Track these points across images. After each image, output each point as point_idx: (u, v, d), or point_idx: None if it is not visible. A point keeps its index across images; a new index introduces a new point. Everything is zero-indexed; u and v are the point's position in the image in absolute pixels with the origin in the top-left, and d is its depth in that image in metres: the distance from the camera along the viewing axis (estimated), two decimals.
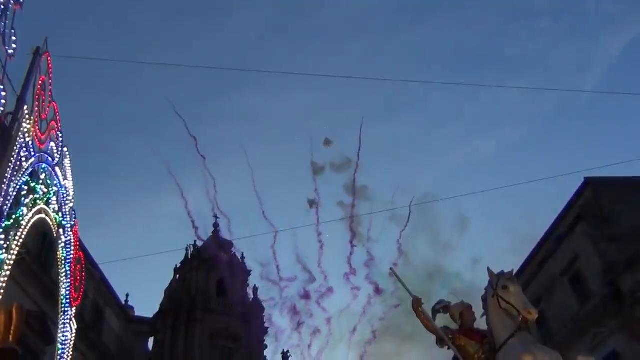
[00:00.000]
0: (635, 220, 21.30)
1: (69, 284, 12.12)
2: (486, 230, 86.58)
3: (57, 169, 11.26)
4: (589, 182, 23.53)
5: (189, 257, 42.52)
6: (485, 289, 8.43)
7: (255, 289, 43.09)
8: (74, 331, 12.28)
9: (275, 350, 42.14)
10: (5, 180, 9.02)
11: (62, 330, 12.00)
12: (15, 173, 9.36)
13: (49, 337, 18.47)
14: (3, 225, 8.94)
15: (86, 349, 24.25)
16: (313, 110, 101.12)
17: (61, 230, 11.77)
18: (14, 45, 9.29)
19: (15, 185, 9.36)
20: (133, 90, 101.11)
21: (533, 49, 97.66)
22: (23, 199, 9.79)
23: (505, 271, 8.28)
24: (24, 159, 9.67)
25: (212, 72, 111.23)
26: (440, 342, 8.48)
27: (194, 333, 37.23)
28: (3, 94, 9.12)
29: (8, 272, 9.02)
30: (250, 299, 42.25)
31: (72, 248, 12.13)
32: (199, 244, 43.36)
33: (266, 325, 41.81)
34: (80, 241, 13.14)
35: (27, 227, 9.86)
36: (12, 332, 10.15)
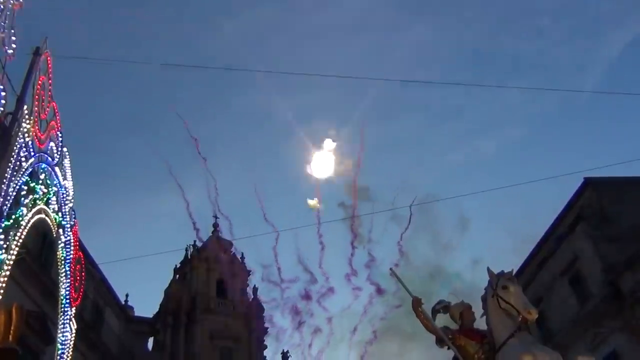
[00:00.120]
0: (635, 221, 21.30)
1: (68, 284, 12.11)
2: (486, 230, 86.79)
3: (56, 169, 11.25)
4: (588, 182, 23.53)
5: (189, 257, 42.54)
6: (485, 289, 8.43)
7: (255, 289, 43.12)
8: (73, 331, 12.28)
9: (276, 350, 42.26)
10: (5, 180, 9.02)
11: (62, 330, 11.99)
12: (14, 173, 9.35)
13: (49, 337, 18.45)
14: (3, 225, 8.93)
15: (86, 349, 24.24)
16: (313, 110, 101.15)
17: (61, 230, 11.76)
18: (13, 45, 9.28)
19: (15, 185, 9.35)
20: (133, 90, 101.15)
21: (533, 49, 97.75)
22: (23, 199, 9.77)
23: (505, 271, 8.27)
24: (23, 159, 9.66)
25: (212, 72, 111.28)
26: (440, 342, 8.48)
27: (193, 333, 37.25)
28: (3, 94, 9.11)
29: (8, 272, 9.01)
30: (250, 299, 42.25)
31: (72, 248, 12.13)
32: (199, 244, 43.45)
33: (267, 325, 41.87)
34: (80, 241, 13.13)
35: (27, 227, 9.85)
36: (12, 332, 10.14)
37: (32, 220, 10.17)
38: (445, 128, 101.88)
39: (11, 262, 9.15)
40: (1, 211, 8.88)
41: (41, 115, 10.51)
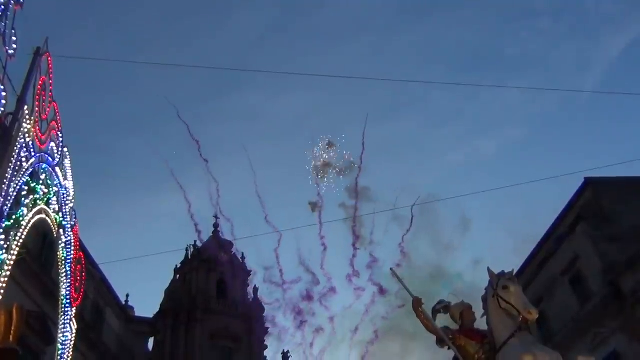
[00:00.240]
0: (636, 221, 21.29)
1: (69, 284, 12.12)
2: (487, 230, 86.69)
3: (57, 169, 11.26)
4: (589, 182, 23.54)
5: (189, 257, 42.53)
6: (485, 289, 8.43)
7: (255, 289, 43.11)
8: (74, 331, 12.28)
9: (277, 350, 42.25)
10: (5, 180, 9.03)
11: (62, 330, 12.00)
12: (15, 173, 9.36)
13: (49, 338, 18.47)
14: (3, 225, 8.93)
15: (86, 349, 24.25)
16: (313, 110, 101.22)
17: (61, 231, 11.77)
18: (14, 46, 9.28)
19: (15, 186, 9.36)
20: (133, 90, 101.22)
21: (533, 49, 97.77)
22: (23, 199, 9.79)
23: (506, 271, 8.28)
24: (24, 159, 9.67)
25: (212, 72, 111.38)
26: (441, 342, 8.48)
27: (194, 333, 37.23)
28: (3, 94, 9.11)
29: (8, 273, 9.02)
30: (251, 299, 42.26)
31: (72, 248, 12.13)
32: (199, 244, 43.43)
33: (269, 326, 41.86)
34: (80, 241, 13.14)
35: (28, 228, 9.86)
36: (12, 332, 10.15)
37: (33, 221, 10.19)
38: (446, 128, 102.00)
39: (12, 262, 9.16)
40: (2, 211, 8.89)
41: (42, 115, 10.52)
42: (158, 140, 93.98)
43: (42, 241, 20.14)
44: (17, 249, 9.38)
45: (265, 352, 41.04)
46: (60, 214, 11.55)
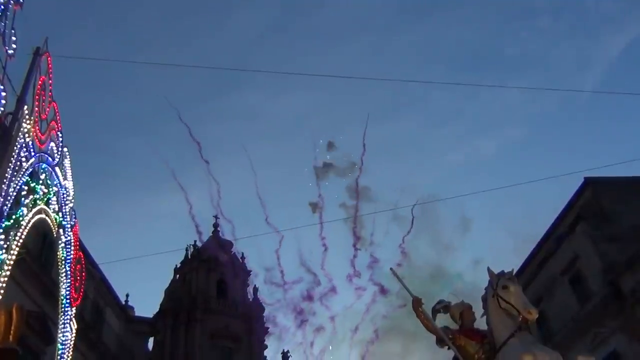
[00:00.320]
0: (636, 221, 21.29)
1: (69, 284, 12.11)
2: (487, 230, 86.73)
3: (57, 169, 11.25)
4: (589, 182, 23.54)
5: (189, 257, 42.52)
6: (485, 288, 8.43)
7: (255, 289, 43.12)
8: (74, 331, 12.28)
9: (277, 350, 42.25)
10: (5, 180, 9.02)
11: (62, 330, 11.99)
12: (15, 173, 9.36)
13: (49, 337, 18.47)
14: (3, 225, 8.93)
15: (86, 349, 24.25)
16: (313, 110, 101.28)
17: (61, 231, 11.76)
18: (14, 46, 9.28)
19: (15, 186, 9.36)
20: (133, 90, 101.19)
21: (533, 48, 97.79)
22: (23, 199, 9.78)
23: (506, 271, 8.28)
24: (24, 159, 9.67)
25: (212, 72, 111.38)
26: (440, 342, 8.48)
27: (194, 333, 37.22)
28: (3, 94, 9.12)
29: (8, 272, 9.02)
30: (251, 299, 42.27)
31: (72, 248, 12.13)
32: (199, 244, 43.45)
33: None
34: (80, 241, 13.13)
35: (27, 227, 9.85)
36: (12, 332, 10.14)
37: (33, 221, 10.18)
38: (446, 128, 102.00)
39: (11, 262, 9.16)
40: (2, 211, 8.89)
41: (41, 115, 10.52)
42: (158, 140, 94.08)
43: (42, 241, 20.13)
44: (17, 248, 9.38)
45: (265, 352, 41.07)
46: (60, 214, 11.54)
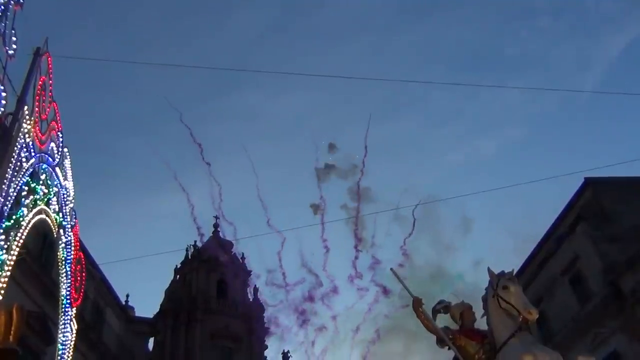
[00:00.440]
0: (636, 221, 21.29)
1: (69, 285, 12.11)
2: (487, 230, 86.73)
3: (57, 169, 11.25)
4: (589, 182, 23.54)
5: (189, 257, 42.53)
6: (485, 289, 8.43)
7: (255, 289, 43.12)
8: (74, 331, 12.28)
9: (278, 350, 42.24)
10: (5, 180, 9.02)
11: (63, 330, 11.99)
12: (15, 173, 9.36)
13: (50, 338, 18.47)
14: (3, 225, 8.93)
15: (86, 350, 24.25)
16: (313, 110, 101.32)
17: (61, 231, 11.76)
18: (14, 46, 9.28)
19: (15, 186, 9.36)
20: (133, 90, 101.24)
21: (533, 48, 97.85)
22: (23, 199, 9.78)
23: (506, 271, 8.28)
24: (24, 159, 9.66)
25: (212, 72, 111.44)
26: (441, 342, 8.48)
27: (194, 333, 37.23)
28: (3, 94, 9.11)
29: (8, 273, 9.02)
30: (251, 299, 42.27)
31: (73, 248, 12.13)
32: (200, 244, 43.45)
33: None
34: (80, 241, 13.13)
35: (28, 228, 9.85)
36: (12, 332, 10.14)
37: (33, 221, 10.18)
38: (446, 128, 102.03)
39: (12, 263, 9.15)
40: (2, 211, 8.89)
41: (42, 115, 10.52)
42: (158, 140, 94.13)
43: (42, 241, 20.13)
44: (17, 249, 9.38)
45: (266, 352, 41.06)
46: (60, 214, 11.54)
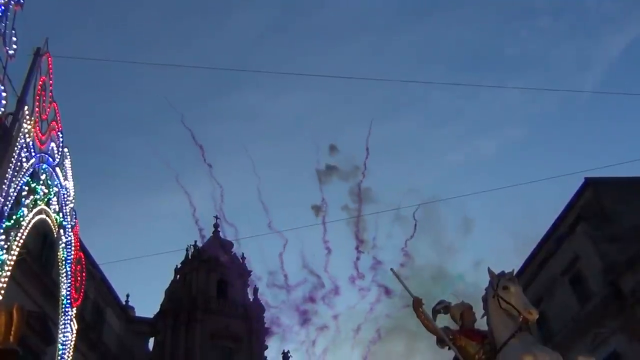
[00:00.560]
0: (636, 221, 21.29)
1: (69, 285, 12.11)
2: (488, 230, 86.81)
3: (57, 169, 11.25)
4: (589, 182, 23.54)
5: (189, 257, 42.54)
6: (485, 289, 8.43)
7: (255, 289, 43.15)
8: (74, 331, 12.27)
9: (278, 350, 42.28)
10: (5, 180, 9.02)
11: (63, 330, 11.98)
12: (15, 174, 9.35)
13: (50, 338, 18.47)
14: (4, 225, 8.93)
15: (86, 350, 24.25)
16: (313, 110, 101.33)
17: (62, 231, 11.75)
18: (14, 46, 9.27)
19: (15, 186, 9.35)
20: (133, 90, 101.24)
21: (533, 48, 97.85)
22: (24, 199, 9.78)
23: (506, 271, 8.28)
24: (24, 159, 9.66)
25: (212, 72, 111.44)
26: (441, 342, 8.48)
27: (194, 333, 37.24)
28: (3, 94, 9.10)
29: (9, 273, 9.01)
30: (251, 299, 42.28)
31: (73, 248, 12.12)
32: (200, 244, 43.48)
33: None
34: (80, 242, 13.13)
35: (28, 228, 9.84)
36: (12, 332, 10.13)
37: (33, 221, 10.17)
38: (446, 128, 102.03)
39: (12, 263, 9.15)
40: (2, 212, 8.88)
41: (42, 115, 10.51)
42: (158, 140, 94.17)
43: (42, 241, 20.14)
44: (18, 249, 9.37)
45: (266, 352, 41.07)
46: (61, 214, 11.54)
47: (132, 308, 35.31)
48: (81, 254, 12.90)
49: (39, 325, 19.68)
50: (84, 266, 12.87)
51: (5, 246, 8.99)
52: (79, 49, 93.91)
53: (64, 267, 12.00)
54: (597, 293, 21.66)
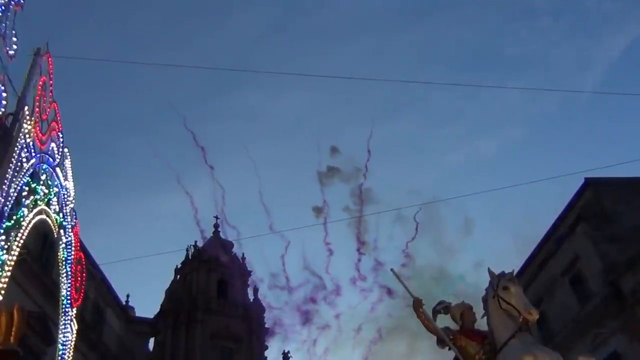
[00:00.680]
0: (636, 221, 21.28)
1: (69, 285, 12.11)
2: (488, 230, 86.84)
3: (57, 169, 11.25)
4: (589, 183, 23.52)
5: (190, 257, 42.56)
6: (485, 289, 8.43)
7: (255, 290, 43.16)
8: (74, 332, 12.27)
9: (279, 351, 42.29)
10: (6, 181, 9.02)
11: (63, 330, 11.99)
12: (16, 174, 9.36)
13: (50, 338, 18.48)
14: (4, 226, 8.93)
15: (87, 350, 24.25)
16: (313, 110, 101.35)
17: (62, 231, 11.75)
18: (14, 46, 9.27)
19: (16, 186, 9.35)
20: (133, 90, 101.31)
21: (533, 49, 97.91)
22: (24, 199, 9.78)
23: (506, 272, 8.28)
24: (24, 159, 9.66)
25: (212, 72, 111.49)
26: (441, 342, 8.48)
27: (194, 333, 37.26)
28: (4, 94, 9.11)
29: (9, 273, 9.02)
30: (251, 300, 42.29)
31: (73, 249, 12.13)
32: (200, 244, 43.50)
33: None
34: (80, 242, 13.13)
35: (28, 228, 9.85)
36: (13, 333, 10.13)
37: (33, 221, 10.17)
38: (446, 128, 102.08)
39: (12, 263, 9.15)
40: (2, 212, 8.89)
41: (42, 116, 10.51)
42: (158, 140, 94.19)
43: (42, 242, 20.13)
44: (18, 249, 9.38)
45: (266, 353, 41.08)
46: (61, 215, 11.54)
47: (132, 308, 35.31)
48: (81, 254, 12.90)
49: (39, 325, 19.68)
50: (84, 266, 12.87)
51: (6, 246, 8.99)
52: (79, 49, 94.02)
53: (64, 267, 12.00)
54: (597, 293, 21.65)
